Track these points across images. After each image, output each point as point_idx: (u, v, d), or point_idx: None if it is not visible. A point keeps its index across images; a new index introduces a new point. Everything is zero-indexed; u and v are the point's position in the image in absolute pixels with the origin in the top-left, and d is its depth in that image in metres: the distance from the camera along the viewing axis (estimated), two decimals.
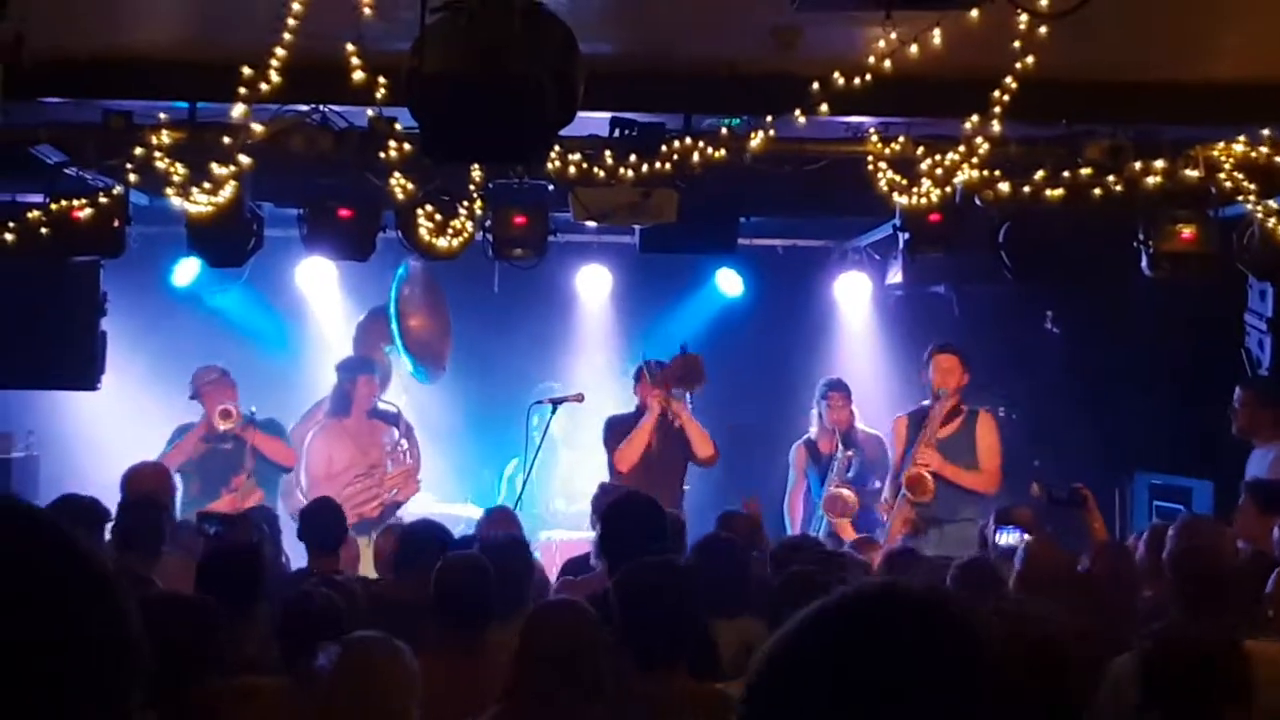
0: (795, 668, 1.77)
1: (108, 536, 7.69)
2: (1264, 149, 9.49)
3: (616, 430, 11.20)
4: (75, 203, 9.84)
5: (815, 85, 8.30)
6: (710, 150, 9.37)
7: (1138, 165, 9.45)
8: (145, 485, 8.85)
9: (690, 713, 4.73)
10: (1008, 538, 8.52)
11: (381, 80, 7.84)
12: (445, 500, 12.57)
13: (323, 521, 8.30)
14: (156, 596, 5.92)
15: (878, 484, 11.45)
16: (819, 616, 1.79)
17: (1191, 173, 9.51)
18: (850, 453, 11.49)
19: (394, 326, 12.38)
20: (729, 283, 13.74)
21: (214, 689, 5.56)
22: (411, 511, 11.98)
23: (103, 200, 9.89)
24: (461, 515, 12.03)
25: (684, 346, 11.35)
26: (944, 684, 1.71)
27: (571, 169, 9.57)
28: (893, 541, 10.49)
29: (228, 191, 9.45)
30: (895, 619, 1.76)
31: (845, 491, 11.34)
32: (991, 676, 1.75)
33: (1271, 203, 9.85)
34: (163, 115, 9.31)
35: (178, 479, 10.46)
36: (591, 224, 10.66)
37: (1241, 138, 9.49)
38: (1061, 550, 7.38)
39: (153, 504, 8.22)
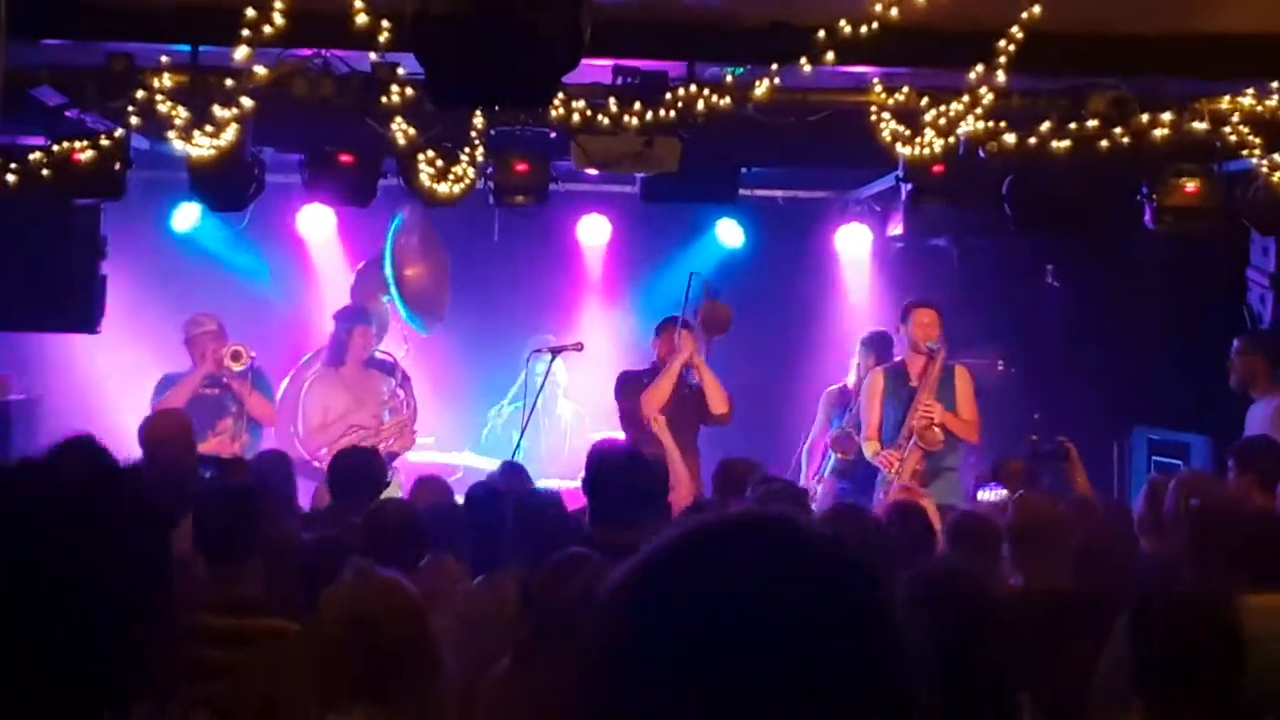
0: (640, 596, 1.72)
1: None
2: (1270, 102, 9.45)
3: (632, 383, 11.09)
4: (76, 145, 9.82)
5: (820, 34, 8.27)
6: (714, 99, 9.33)
7: (1144, 118, 9.41)
8: (167, 439, 8.67)
9: None
10: (989, 494, 8.55)
11: (385, 24, 7.81)
12: (444, 449, 12.57)
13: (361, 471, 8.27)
14: None
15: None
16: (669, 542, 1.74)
17: (1198, 125, 9.47)
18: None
19: (390, 276, 12.35)
20: (729, 233, 13.73)
21: (234, 627, 5.56)
22: (411, 460, 12.01)
23: (104, 143, 9.86)
24: (460, 464, 12.06)
25: (714, 292, 11.30)
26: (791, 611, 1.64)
27: (575, 116, 9.53)
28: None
29: (229, 134, 9.41)
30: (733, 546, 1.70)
31: (853, 430, 11.32)
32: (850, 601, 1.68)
33: (1277, 156, 9.83)
34: (164, 58, 9.26)
35: None
36: (592, 173, 10.62)
37: (1249, 91, 9.45)
38: (1054, 508, 7.34)
39: (177, 470, 8.10)
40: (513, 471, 8.74)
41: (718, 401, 10.92)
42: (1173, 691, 3.91)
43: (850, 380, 11.77)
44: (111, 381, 12.31)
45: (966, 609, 3.67)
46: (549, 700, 5.03)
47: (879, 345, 11.62)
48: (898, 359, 10.99)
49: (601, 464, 7.24)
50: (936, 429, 10.59)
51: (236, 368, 11.09)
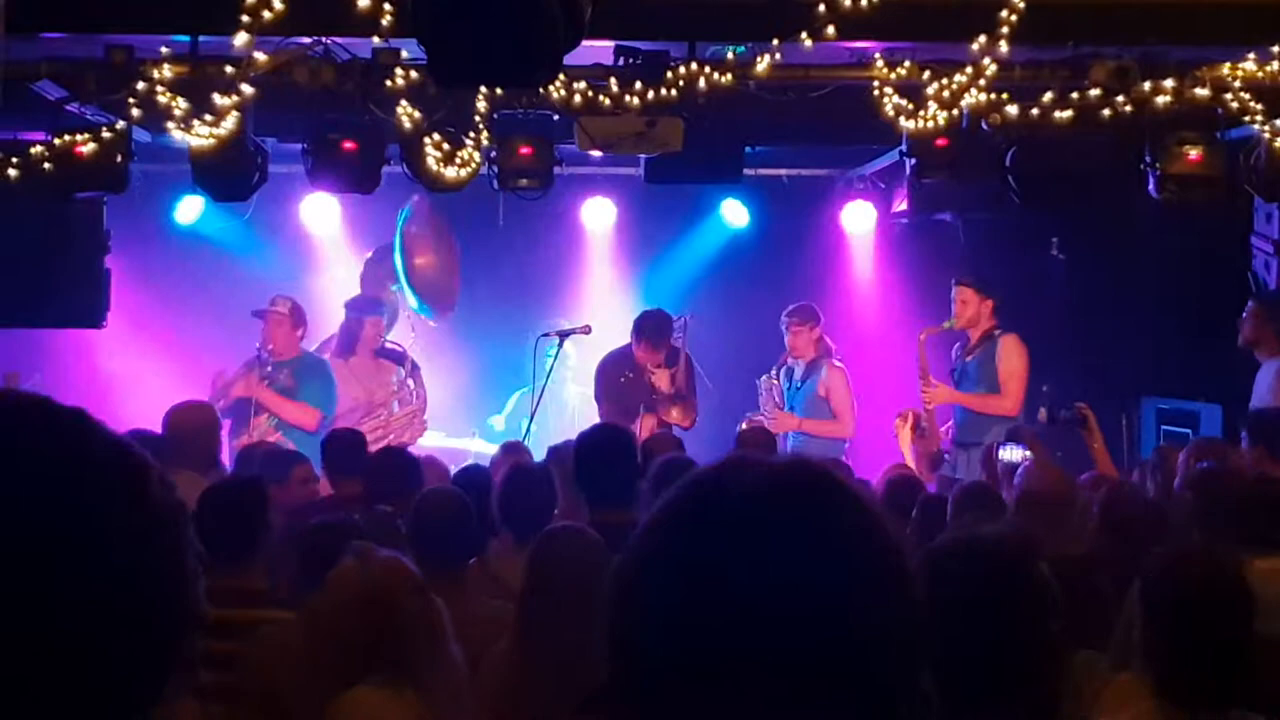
0: (653, 549, 1.66)
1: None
2: (1271, 67, 9.42)
3: (610, 373, 11.33)
4: (78, 138, 9.80)
5: (821, 9, 8.26)
6: (715, 76, 9.31)
7: (1145, 86, 9.39)
8: (194, 431, 8.65)
9: None
10: (1010, 453, 8.54)
11: (387, 7, 7.80)
12: (453, 435, 12.57)
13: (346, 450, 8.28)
14: None
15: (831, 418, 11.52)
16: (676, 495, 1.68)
17: (1200, 92, 9.45)
18: (775, 381, 11.61)
19: (399, 264, 12.36)
20: (734, 213, 13.73)
21: (224, 617, 5.55)
22: (420, 446, 12.01)
23: (105, 135, 9.85)
24: (469, 449, 12.05)
25: (686, 320, 11.46)
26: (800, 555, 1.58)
27: (577, 98, 9.53)
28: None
29: (230, 123, 9.41)
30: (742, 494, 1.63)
31: (761, 414, 11.43)
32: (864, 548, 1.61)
33: (1279, 122, 9.80)
34: (164, 49, 9.25)
35: None
36: (596, 155, 10.63)
37: (1250, 56, 9.42)
38: (1061, 473, 7.33)
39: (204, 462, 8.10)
40: (514, 450, 8.78)
41: (683, 419, 11.23)
42: (1181, 654, 3.87)
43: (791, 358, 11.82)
44: (120, 376, 12.33)
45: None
46: (548, 673, 5.03)
47: (811, 314, 11.69)
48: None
49: (588, 447, 7.24)
50: (929, 410, 10.70)
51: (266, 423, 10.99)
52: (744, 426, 11.12)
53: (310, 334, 12.25)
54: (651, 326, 11.27)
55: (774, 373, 11.87)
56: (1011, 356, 10.90)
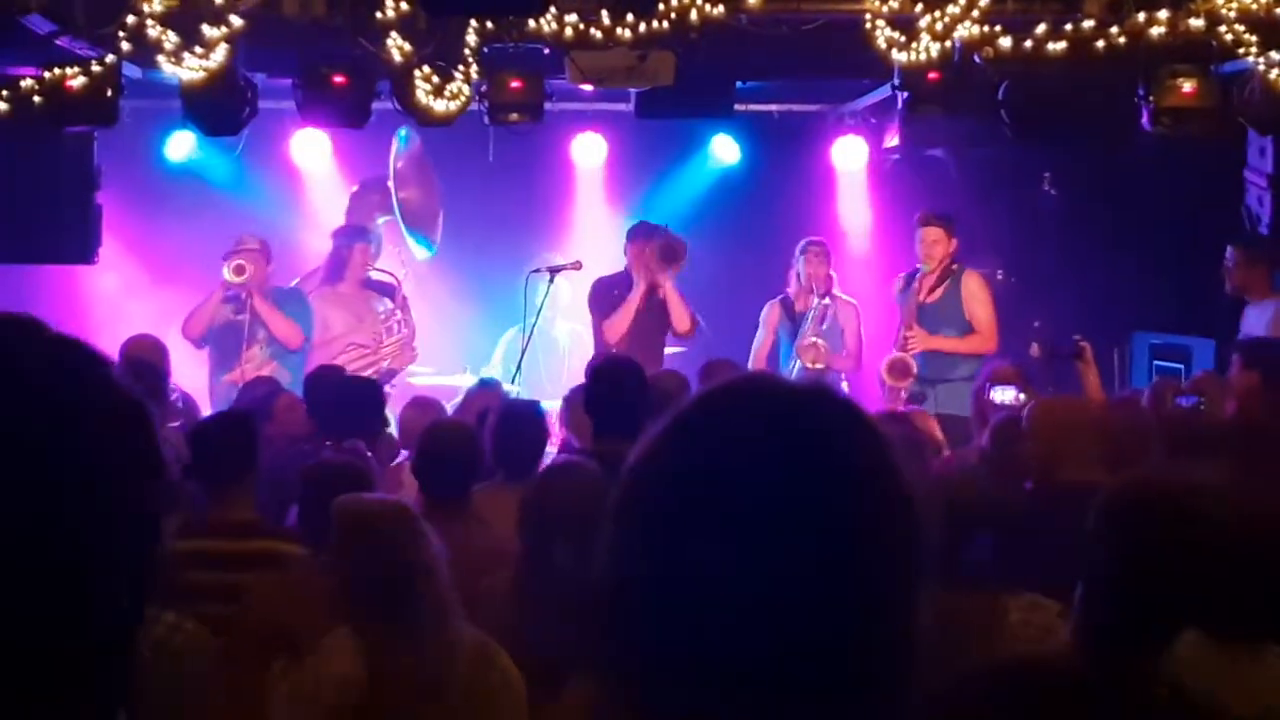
0: (651, 469, 1.62)
1: None
2: None
3: (602, 293, 11.36)
4: (68, 72, 9.75)
5: None
6: (707, 8, 9.28)
7: (1140, 17, 9.36)
8: (140, 354, 8.76)
9: None
10: (1003, 394, 8.52)
11: None
12: (443, 371, 12.55)
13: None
14: None
15: (844, 351, 11.46)
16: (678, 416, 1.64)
17: (1194, 23, 9.42)
18: (826, 302, 11.43)
19: (394, 196, 12.36)
20: (725, 150, 13.67)
21: (227, 548, 5.56)
22: (410, 382, 12.00)
23: (95, 69, 9.79)
24: (460, 386, 12.03)
25: (666, 228, 11.46)
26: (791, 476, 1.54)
27: (568, 30, 9.50)
28: None
29: (219, 55, 9.36)
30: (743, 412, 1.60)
31: (820, 341, 11.30)
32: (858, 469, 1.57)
33: (1274, 54, 9.76)
34: None
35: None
36: (587, 89, 10.59)
37: None
38: (1073, 402, 7.26)
39: (151, 371, 8.12)
40: (489, 387, 8.81)
41: (680, 320, 11.25)
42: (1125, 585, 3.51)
43: (791, 290, 11.72)
44: (110, 312, 12.30)
45: None
46: (548, 605, 5.03)
47: (822, 250, 11.65)
48: (918, 266, 11.08)
49: (600, 377, 7.26)
50: (910, 362, 10.66)
51: (235, 280, 11.02)
52: (802, 349, 11.07)
53: (297, 268, 12.24)
54: (634, 227, 11.56)
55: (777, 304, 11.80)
56: (979, 291, 10.94)
